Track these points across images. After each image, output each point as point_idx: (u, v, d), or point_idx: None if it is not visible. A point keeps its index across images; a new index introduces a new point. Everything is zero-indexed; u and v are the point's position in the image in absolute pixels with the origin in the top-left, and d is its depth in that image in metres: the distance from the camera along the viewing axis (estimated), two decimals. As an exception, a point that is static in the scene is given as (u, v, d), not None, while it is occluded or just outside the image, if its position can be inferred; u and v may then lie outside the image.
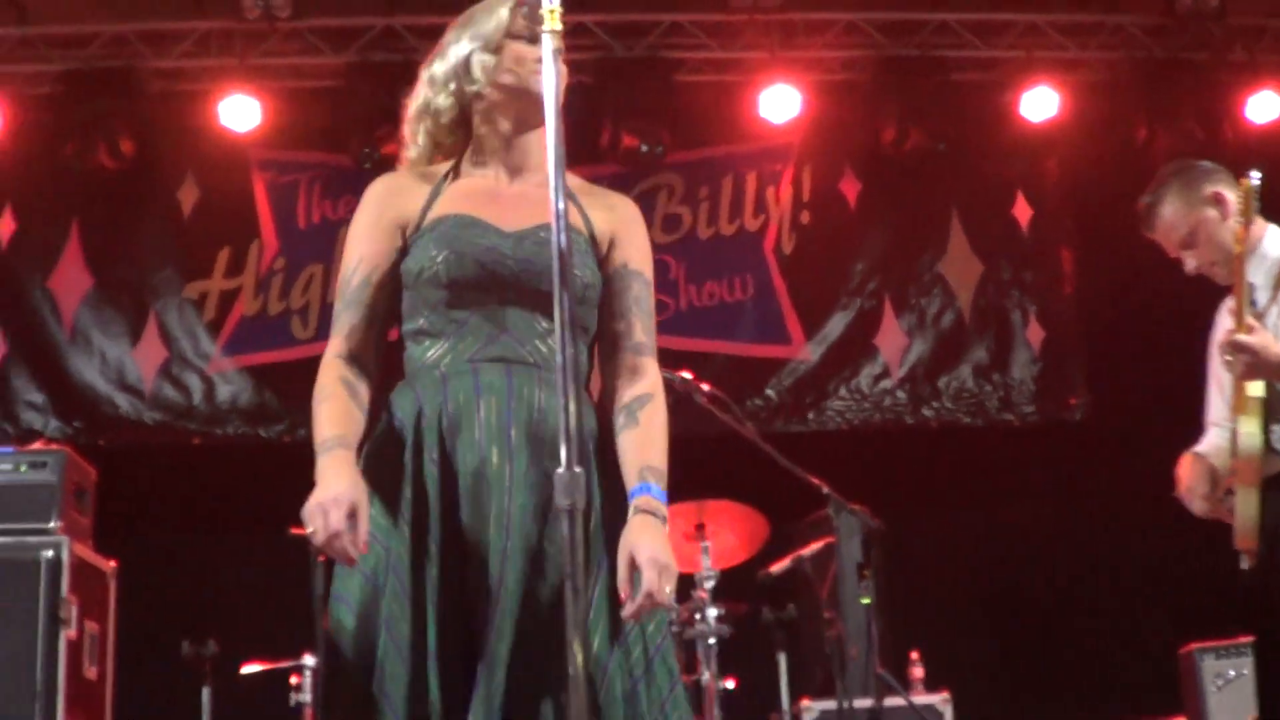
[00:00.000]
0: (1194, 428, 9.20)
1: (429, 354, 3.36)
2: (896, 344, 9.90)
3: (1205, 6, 9.50)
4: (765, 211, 9.95)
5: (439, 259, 3.34)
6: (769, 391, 9.75)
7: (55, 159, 9.47)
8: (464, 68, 3.49)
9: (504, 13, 3.49)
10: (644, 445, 3.37)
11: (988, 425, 9.86)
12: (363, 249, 3.47)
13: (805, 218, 9.99)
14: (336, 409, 3.33)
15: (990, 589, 9.55)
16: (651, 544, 3.17)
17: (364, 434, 3.35)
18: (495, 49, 3.48)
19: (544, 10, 3.02)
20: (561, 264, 2.87)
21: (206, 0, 9.55)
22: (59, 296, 9.72)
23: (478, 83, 3.48)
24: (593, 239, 3.51)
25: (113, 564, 7.25)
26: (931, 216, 10.07)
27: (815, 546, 7.42)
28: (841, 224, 10.03)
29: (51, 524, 6.70)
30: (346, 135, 9.43)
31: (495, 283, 3.34)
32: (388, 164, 9.39)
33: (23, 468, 6.86)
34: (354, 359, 3.41)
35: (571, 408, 2.80)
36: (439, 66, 3.56)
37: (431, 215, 3.45)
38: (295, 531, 7.15)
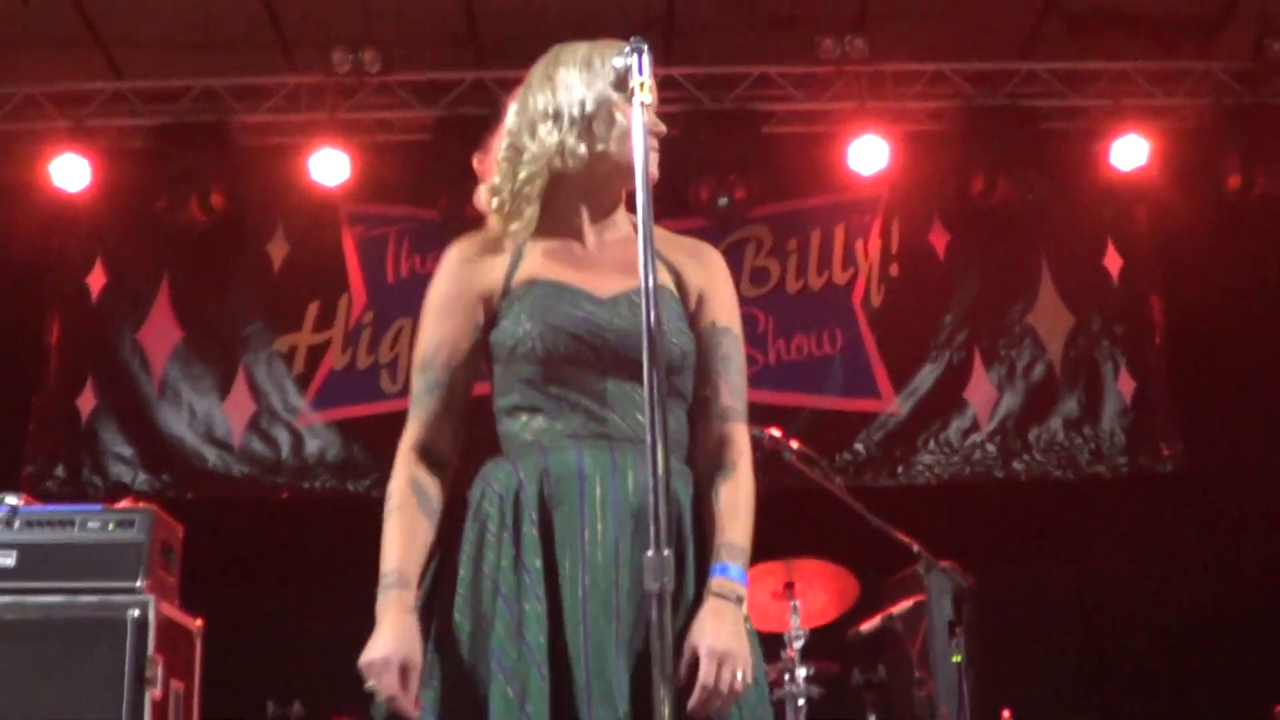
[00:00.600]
0: (1288, 477, 9.22)
1: (527, 430, 3.26)
2: (986, 397, 9.80)
3: (1293, 51, 9.43)
4: (854, 264, 9.90)
5: (534, 333, 3.23)
6: (858, 446, 9.68)
7: (146, 212, 9.57)
8: (560, 147, 3.34)
9: (590, 79, 3.37)
10: (724, 522, 3.26)
11: (1079, 478, 9.73)
12: (444, 327, 3.36)
13: (894, 270, 9.93)
14: (402, 528, 3.27)
15: (1083, 645, 9.44)
16: (715, 632, 3.08)
17: (453, 503, 3.31)
18: (598, 117, 3.34)
19: (634, 83, 2.98)
20: (651, 347, 2.81)
21: (297, 54, 9.63)
22: (149, 349, 9.79)
23: (581, 159, 3.34)
24: (683, 298, 3.41)
25: (199, 622, 7.26)
26: (1021, 267, 9.99)
27: (905, 604, 7.36)
28: (930, 276, 9.96)
29: (138, 583, 6.70)
30: (435, 189, 9.46)
31: (593, 355, 3.23)
32: (477, 219, 9.45)
33: (111, 526, 6.88)
34: (429, 451, 3.35)
35: (661, 489, 2.74)
36: (527, 139, 3.39)
37: (518, 280, 3.34)
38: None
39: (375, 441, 9.58)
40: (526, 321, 3.25)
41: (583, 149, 3.34)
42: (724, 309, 3.46)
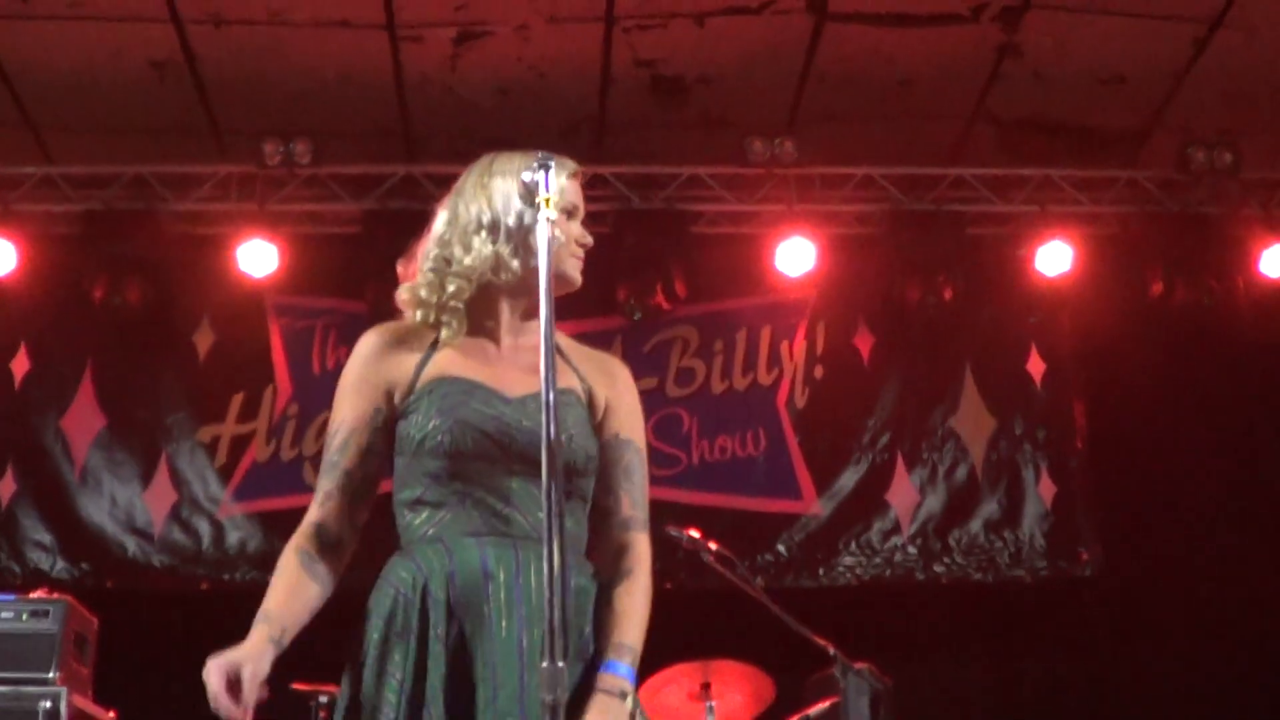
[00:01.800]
0: (1205, 582, 9.29)
1: (429, 526, 3.28)
2: (908, 499, 9.85)
3: (1219, 161, 9.55)
4: (779, 365, 9.95)
5: (443, 428, 3.25)
6: (779, 547, 9.69)
7: (73, 298, 9.53)
8: (495, 260, 3.38)
9: (519, 205, 3.36)
10: (616, 623, 3.29)
11: (999, 580, 9.78)
12: (346, 410, 3.44)
13: (819, 372, 9.99)
14: (283, 582, 3.34)
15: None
16: None
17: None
18: (520, 244, 3.38)
19: (539, 199, 3.01)
20: (550, 458, 2.81)
21: (228, 144, 9.61)
22: (71, 436, 9.72)
23: (515, 273, 3.39)
24: (590, 407, 3.45)
25: (112, 715, 7.25)
26: (945, 371, 10.08)
27: (821, 706, 7.34)
28: (855, 378, 10.02)
29: (51, 674, 6.71)
30: (363, 282, 9.43)
31: (500, 454, 3.26)
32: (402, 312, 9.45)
33: (24, 616, 6.89)
34: (322, 529, 3.39)
35: (557, 598, 2.72)
36: (459, 251, 3.43)
37: (426, 376, 3.36)
38: (297, 686, 7.21)
39: (297, 534, 9.54)
40: (436, 416, 3.28)
41: (516, 263, 3.39)
42: (628, 421, 3.52)
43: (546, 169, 3.05)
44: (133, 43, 8.94)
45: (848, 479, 9.88)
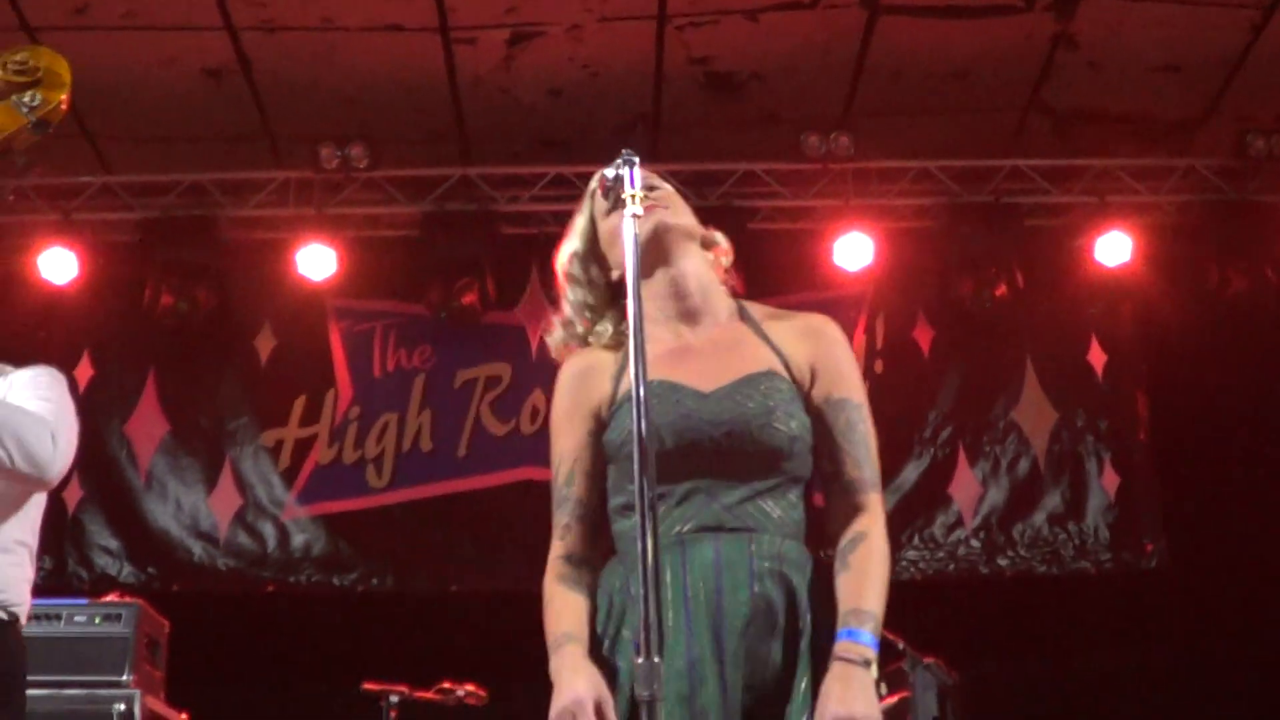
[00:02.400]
0: (1271, 571, 9.21)
1: (635, 529, 3.08)
2: (971, 492, 9.81)
3: (1278, 148, 9.46)
4: (839, 360, 9.89)
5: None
6: (842, 543, 9.65)
7: (134, 306, 9.60)
8: (584, 272, 3.52)
9: (588, 204, 3.53)
10: (854, 588, 3.21)
11: (1063, 573, 9.73)
12: (563, 441, 3.43)
13: (879, 366, 9.97)
14: (558, 607, 3.27)
15: (1067, 740, 9.45)
16: (841, 697, 3.01)
17: None
18: (591, 247, 3.51)
19: (625, 195, 3.03)
20: (641, 453, 2.82)
21: (284, 150, 9.66)
22: (135, 443, 9.81)
23: (598, 282, 3.50)
24: (794, 379, 3.36)
25: (184, 717, 7.28)
26: (1005, 363, 10.02)
27: (889, 702, 7.31)
28: (915, 372, 10.00)
29: (124, 677, 6.74)
30: (422, 284, 9.53)
31: (696, 450, 3.21)
32: (463, 314, 9.51)
33: (97, 620, 6.93)
34: (570, 557, 3.36)
35: (651, 597, 2.70)
36: (570, 266, 3.57)
37: (625, 385, 3.32)
38: (368, 686, 7.25)
39: (360, 537, 9.63)
40: (629, 422, 3.12)
41: (598, 273, 3.51)
42: (839, 380, 3.41)
43: (631, 165, 3.08)
44: (187, 51, 9.01)
45: (910, 473, 9.85)
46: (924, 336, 10.03)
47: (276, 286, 9.80)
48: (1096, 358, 10.01)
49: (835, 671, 3.06)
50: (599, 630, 3.25)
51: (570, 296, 3.56)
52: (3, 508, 4.16)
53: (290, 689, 9.05)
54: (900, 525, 9.68)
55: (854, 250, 9.54)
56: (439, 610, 9.25)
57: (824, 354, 3.43)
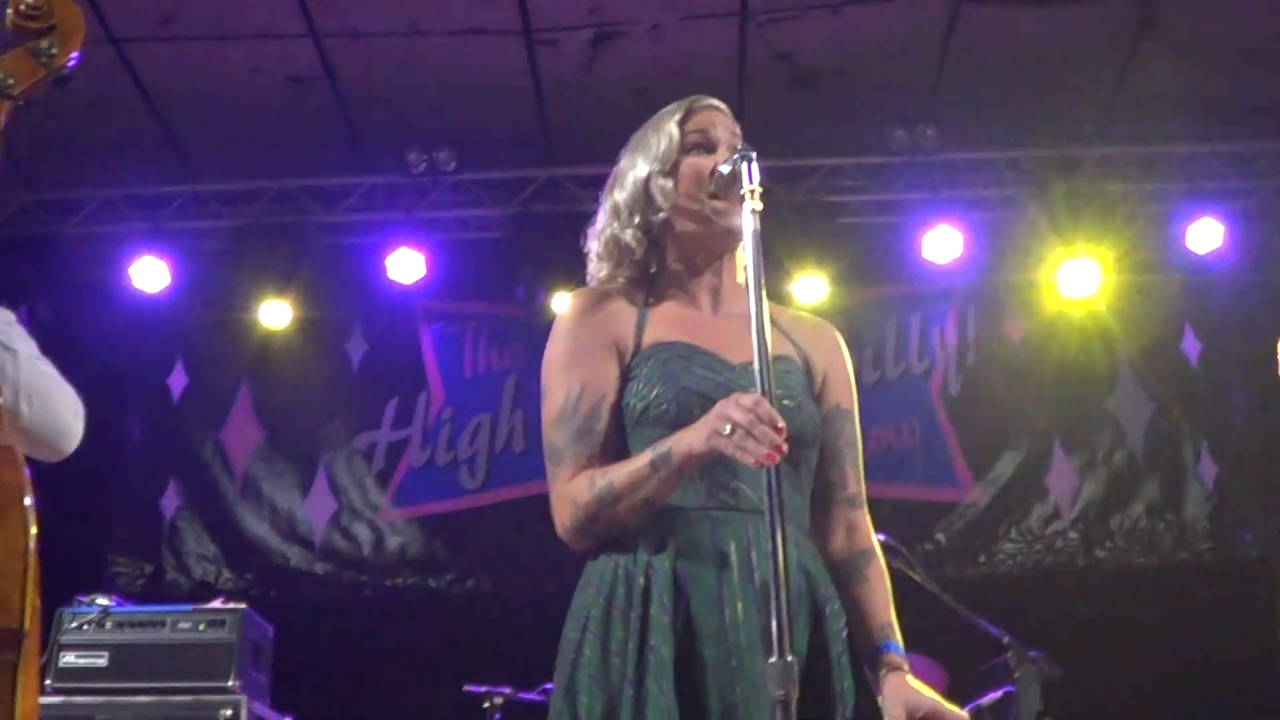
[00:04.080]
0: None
1: (691, 510, 3.13)
2: (1067, 484, 9.74)
3: (1369, 129, 9.37)
4: (931, 354, 9.90)
5: (667, 396, 3.15)
6: (938, 536, 9.63)
7: (225, 313, 9.71)
8: (644, 193, 3.39)
9: (674, 129, 3.41)
10: (879, 602, 3.28)
11: (1162, 564, 9.65)
12: (582, 374, 3.24)
13: (971, 359, 9.92)
14: (617, 468, 3.12)
15: (1173, 733, 9.35)
16: (926, 695, 3.11)
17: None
18: (671, 169, 3.38)
19: (744, 190, 3.02)
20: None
21: (372, 155, 9.69)
22: (230, 449, 9.91)
23: (662, 209, 3.36)
24: (809, 374, 3.36)
25: (288, 720, 7.35)
26: (1099, 354, 9.92)
27: (993, 696, 7.27)
28: (1008, 364, 9.93)
29: (230, 682, 6.80)
30: (511, 285, 9.56)
31: None
32: (553, 315, 9.50)
33: (202, 626, 7.00)
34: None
35: (782, 591, 2.68)
36: (620, 194, 3.44)
37: (647, 340, 3.27)
38: (471, 689, 7.27)
39: (455, 537, 9.68)
40: (659, 384, 3.18)
41: (661, 197, 3.38)
42: (846, 391, 3.44)
43: (748, 161, 3.08)
44: (272, 59, 9.03)
45: (1005, 465, 9.77)
46: (1016, 328, 9.97)
47: (367, 291, 9.86)
48: (1191, 346, 9.92)
49: (905, 679, 3.16)
50: (602, 601, 3.10)
51: (627, 238, 3.43)
52: None
53: (392, 692, 9.08)
54: (998, 518, 9.68)
55: (943, 243, 9.45)
56: (537, 610, 9.22)
57: (836, 362, 3.45)
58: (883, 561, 3.35)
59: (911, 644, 7.23)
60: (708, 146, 3.37)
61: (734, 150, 3.26)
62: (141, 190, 9.76)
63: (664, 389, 3.17)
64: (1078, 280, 9.48)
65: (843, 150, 9.66)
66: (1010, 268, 9.90)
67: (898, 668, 3.17)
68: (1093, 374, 9.93)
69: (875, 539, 3.39)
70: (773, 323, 3.36)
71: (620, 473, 3.08)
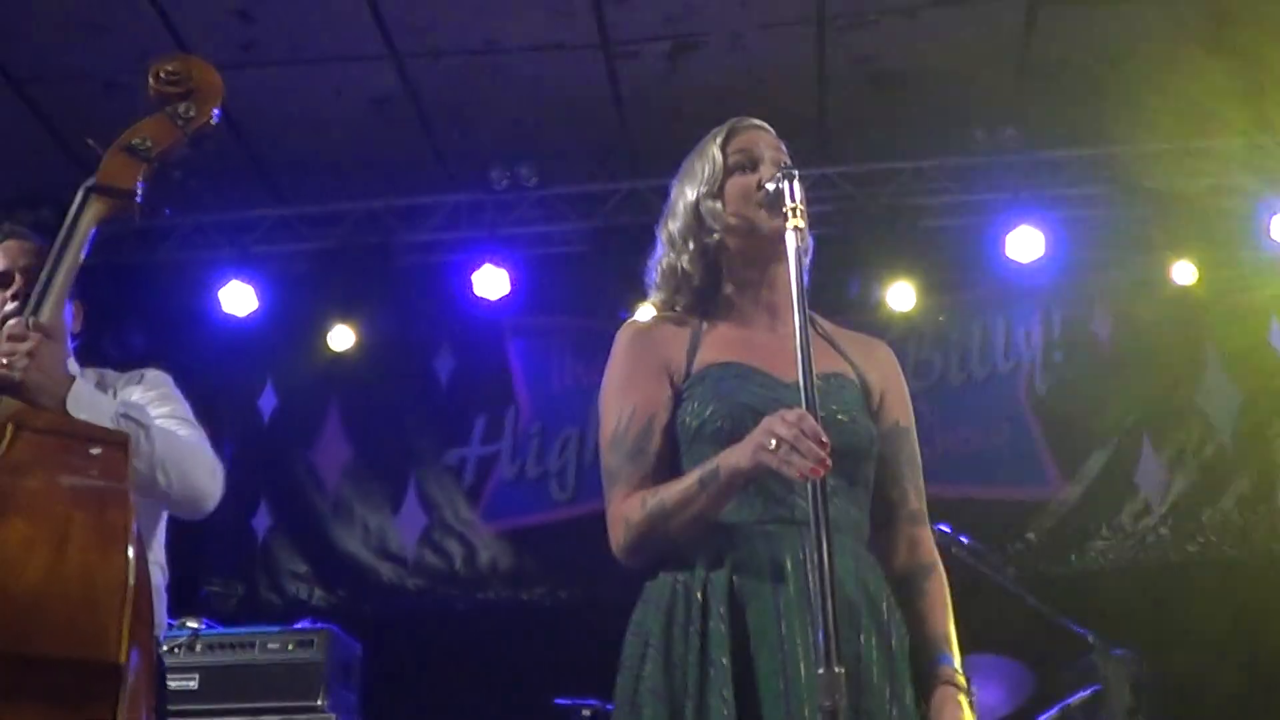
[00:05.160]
0: None
1: (749, 523, 3.16)
2: (1158, 479, 9.70)
3: None
4: (1017, 353, 9.89)
5: (721, 413, 3.19)
6: (1029, 534, 9.60)
7: (313, 334, 9.80)
8: (695, 218, 3.45)
9: (716, 153, 3.48)
10: (938, 616, 3.27)
11: (1255, 557, 9.59)
12: (634, 397, 3.30)
13: (1057, 357, 9.91)
14: (668, 486, 3.18)
15: (1271, 728, 9.30)
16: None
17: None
18: (719, 191, 3.43)
19: (787, 207, 3.06)
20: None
21: (454, 173, 9.76)
22: (320, 468, 10.00)
23: (714, 230, 3.41)
24: (866, 394, 3.38)
25: (379, 737, 7.39)
26: (1186, 347, 9.88)
27: (1083, 695, 7.25)
28: (1095, 361, 9.91)
29: (319, 701, 6.85)
30: (596, 298, 9.59)
31: None
32: (639, 326, 9.54)
33: (290, 646, 7.07)
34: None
35: (830, 603, 2.71)
36: (673, 224, 3.51)
37: (700, 362, 3.32)
38: (558, 701, 7.30)
39: (546, 550, 9.72)
40: (713, 402, 3.23)
41: (711, 219, 3.44)
42: (905, 408, 3.48)
43: (791, 179, 3.12)
44: (353, 81, 9.12)
45: (1094, 462, 9.74)
46: (1102, 325, 9.95)
47: (453, 308, 9.91)
48: (1278, 337, 9.87)
49: (947, 695, 3.15)
50: (662, 616, 3.14)
51: (684, 265, 3.48)
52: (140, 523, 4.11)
53: (484, 705, 9.08)
54: (1088, 515, 9.64)
55: (1027, 242, 9.44)
56: (627, 621, 9.26)
57: (894, 380, 3.49)
58: (944, 576, 3.37)
59: (998, 646, 7.26)
60: (751, 165, 3.42)
61: (779, 166, 3.32)
62: (227, 215, 9.89)
63: (718, 406, 3.22)
64: (1163, 274, 9.50)
65: (924, 153, 9.68)
66: (1094, 265, 9.88)
67: (949, 682, 3.18)
68: (1180, 367, 9.89)
69: (937, 556, 3.42)
70: (829, 341, 3.48)
71: (671, 491, 3.15)
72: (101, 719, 2.57)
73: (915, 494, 3.44)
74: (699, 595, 3.09)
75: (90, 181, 3.31)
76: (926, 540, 3.41)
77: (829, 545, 2.75)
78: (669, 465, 3.27)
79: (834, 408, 3.20)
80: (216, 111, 3.43)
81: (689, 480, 3.12)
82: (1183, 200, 9.55)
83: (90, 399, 3.52)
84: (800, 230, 3.04)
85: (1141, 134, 9.62)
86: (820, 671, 2.66)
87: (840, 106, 9.43)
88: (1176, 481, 9.73)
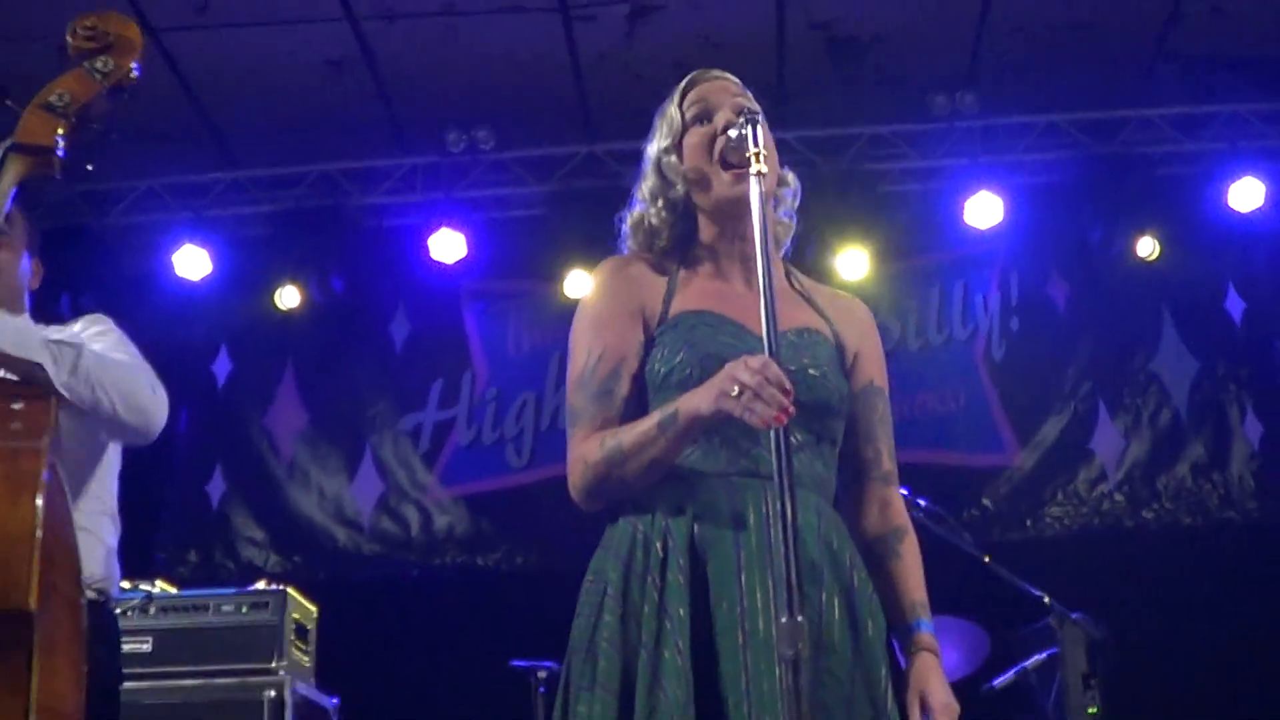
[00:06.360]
0: None
1: (685, 461, 3.10)
2: (1113, 446, 9.73)
3: None
4: (974, 319, 9.89)
5: (690, 361, 3.13)
6: (985, 501, 9.63)
7: (268, 299, 9.71)
8: (659, 174, 3.42)
9: (673, 110, 3.46)
10: (913, 580, 3.24)
11: (1209, 524, 9.64)
12: (606, 338, 3.26)
13: (1015, 323, 9.91)
14: (627, 427, 3.14)
15: (1221, 692, 9.32)
16: (942, 688, 3.10)
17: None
18: (677, 145, 3.41)
19: (750, 152, 2.99)
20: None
21: (411, 136, 9.70)
22: (276, 433, 9.95)
23: (676, 185, 3.39)
24: (840, 349, 3.34)
25: (334, 701, 7.34)
26: (1142, 315, 9.92)
27: (1039, 658, 7.26)
28: (1052, 328, 9.92)
29: (274, 664, 6.79)
30: (553, 263, 9.54)
31: None
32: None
33: (245, 608, 6.99)
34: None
35: (792, 552, 2.64)
36: (644, 182, 3.48)
37: (674, 309, 3.28)
38: (516, 663, 7.30)
39: (503, 516, 9.71)
40: (683, 349, 3.18)
41: (672, 174, 3.41)
42: (879, 368, 3.44)
43: (754, 123, 3.05)
44: (309, 43, 9.04)
45: (1050, 429, 9.77)
46: (1059, 292, 9.96)
47: (409, 272, 9.88)
48: (1234, 305, 9.90)
49: (927, 662, 3.14)
50: (620, 565, 3.08)
51: (653, 195, 3.45)
52: (85, 473, 4.11)
53: (439, 670, 9.08)
54: (1043, 482, 9.68)
55: (985, 209, 9.41)
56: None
57: (869, 339, 3.45)
58: (915, 538, 3.33)
59: (956, 608, 7.27)
60: (706, 116, 3.38)
61: (740, 112, 3.23)
62: (182, 179, 9.81)
63: (688, 354, 3.17)
64: (1121, 242, 9.52)
65: (883, 118, 9.66)
66: (1052, 232, 9.89)
67: (926, 649, 3.16)
68: (1136, 335, 9.93)
69: (908, 514, 3.38)
70: (806, 297, 3.45)
71: (630, 433, 3.10)
72: (15, 665, 2.57)
73: (888, 455, 3.39)
74: (659, 545, 3.05)
75: (9, 141, 3.27)
76: (898, 501, 3.37)
77: (792, 498, 2.69)
78: (635, 412, 3.21)
79: (805, 361, 3.17)
80: (136, 65, 3.38)
81: (648, 423, 3.07)
82: (1141, 167, 9.56)
83: (16, 329, 3.56)
84: (764, 175, 2.97)
85: (1102, 100, 9.63)
86: (783, 620, 2.61)
87: (798, 71, 9.39)
88: (1132, 449, 9.76)
